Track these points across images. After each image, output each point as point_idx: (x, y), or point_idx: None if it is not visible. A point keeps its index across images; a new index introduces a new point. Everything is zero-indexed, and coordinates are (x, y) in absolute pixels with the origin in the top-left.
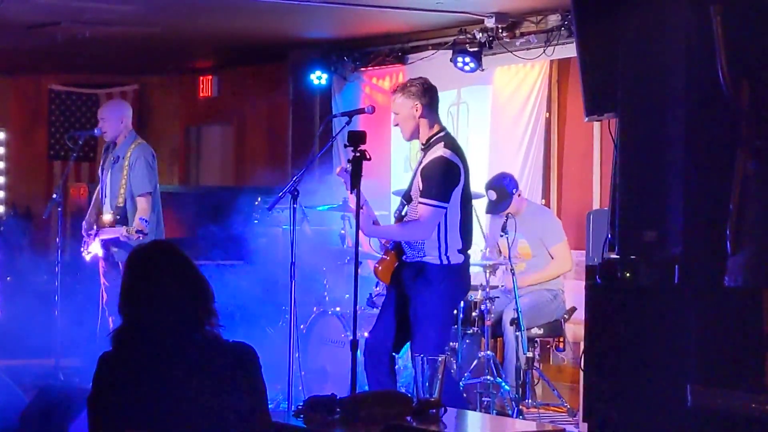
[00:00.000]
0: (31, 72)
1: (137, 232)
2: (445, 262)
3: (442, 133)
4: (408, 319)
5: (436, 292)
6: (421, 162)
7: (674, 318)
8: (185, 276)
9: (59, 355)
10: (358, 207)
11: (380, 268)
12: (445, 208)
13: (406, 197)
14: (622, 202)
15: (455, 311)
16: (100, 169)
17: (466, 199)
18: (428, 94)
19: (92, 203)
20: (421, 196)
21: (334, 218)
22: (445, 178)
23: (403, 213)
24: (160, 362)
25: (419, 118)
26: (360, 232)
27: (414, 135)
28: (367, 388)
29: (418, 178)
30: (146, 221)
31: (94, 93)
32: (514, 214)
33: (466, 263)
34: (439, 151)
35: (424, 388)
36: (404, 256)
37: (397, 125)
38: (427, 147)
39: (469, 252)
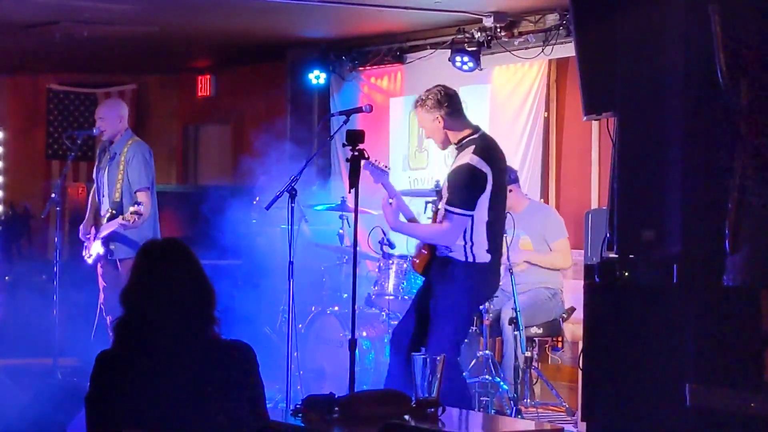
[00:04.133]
0: (29, 71)
1: (132, 213)
2: (470, 259)
3: (474, 135)
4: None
5: (457, 288)
6: (453, 162)
7: (673, 317)
8: (193, 276)
9: (57, 354)
10: (356, 206)
11: (417, 261)
12: (470, 216)
13: (440, 193)
14: (621, 201)
15: (478, 310)
16: (95, 169)
17: (496, 199)
18: (446, 102)
19: (89, 207)
20: (446, 203)
21: (332, 217)
22: (469, 186)
23: (439, 207)
24: (159, 361)
25: (444, 129)
26: (389, 225)
27: (446, 144)
28: (365, 386)
29: (446, 180)
30: (140, 204)
31: (92, 92)
32: (512, 212)
33: (493, 263)
34: (467, 157)
35: (423, 387)
36: (436, 251)
37: (429, 138)
38: (459, 148)
39: (499, 254)
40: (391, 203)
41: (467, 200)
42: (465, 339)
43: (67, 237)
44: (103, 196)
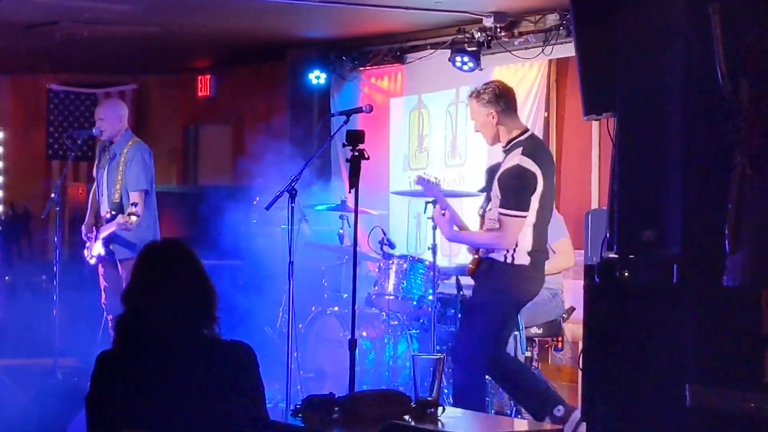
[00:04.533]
0: (29, 71)
1: (129, 215)
2: (509, 260)
3: (522, 137)
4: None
5: (492, 286)
6: (501, 165)
7: (673, 317)
8: (194, 277)
9: (58, 354)
10: (356, 206)
11: (471, 266)
12: (525, 216)
13: (487, 196)
14: (621, 201)
15: (514, 311)
16: (95, 168)
17: (544, 201)
18: (503, 100)
19: (89, 206)
20: (500, 207)
21: (332, 217)
22: (521, 187)
23: (488, 208)
24: (159, 361)
25: (497, 125)
26: (445, 237)
27: (495, 140)
28: (365, 386)
29: (497, 184)
30: (136, 205)
31: (92, 92)
32: None
33: (533, 265)
34: (516, 158)
35: (423, 387)
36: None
37: (478, 131)
38: (507, 150)
39: (542, 255)
40: (443, 214)
41: (521, 202)
42: (497, 338)
43: (67, 237)
44: (102, 195)
